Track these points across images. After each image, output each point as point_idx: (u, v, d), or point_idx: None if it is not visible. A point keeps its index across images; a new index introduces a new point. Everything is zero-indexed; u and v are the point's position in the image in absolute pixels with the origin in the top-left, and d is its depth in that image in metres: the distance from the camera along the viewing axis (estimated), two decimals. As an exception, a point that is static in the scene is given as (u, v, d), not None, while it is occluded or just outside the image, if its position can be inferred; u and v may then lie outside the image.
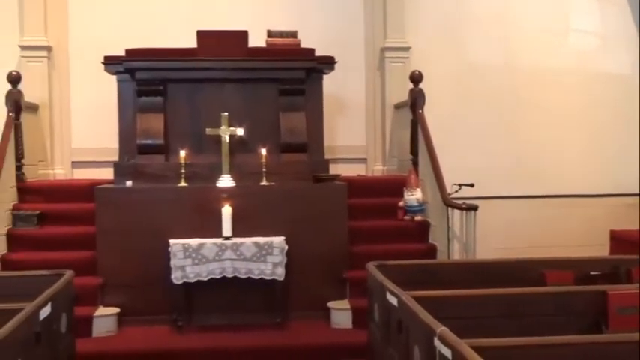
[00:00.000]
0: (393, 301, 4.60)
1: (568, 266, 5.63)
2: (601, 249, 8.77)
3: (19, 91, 7.85)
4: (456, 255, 7.17)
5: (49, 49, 8.83)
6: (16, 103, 7.76)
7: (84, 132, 8.90)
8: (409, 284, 4.89)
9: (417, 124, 7.99)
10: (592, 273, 5.61)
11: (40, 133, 8.70)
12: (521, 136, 9.38)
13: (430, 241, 7.54)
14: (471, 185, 7.72)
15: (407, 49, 9.17)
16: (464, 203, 7.06)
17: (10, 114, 7.67)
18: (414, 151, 8.09)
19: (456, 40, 9.41)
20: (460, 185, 7.70)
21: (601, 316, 4.62)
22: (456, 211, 7.12)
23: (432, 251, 7.38)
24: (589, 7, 9.66)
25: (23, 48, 8.74)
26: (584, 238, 8.91)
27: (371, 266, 5.49)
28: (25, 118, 8.02)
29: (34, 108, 8.51)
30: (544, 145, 9.39)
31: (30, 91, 8.33)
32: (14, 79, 7.85)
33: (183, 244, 6.71)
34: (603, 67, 9.53)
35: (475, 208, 6.96)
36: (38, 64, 8.77)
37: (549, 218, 9.15)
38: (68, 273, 5.38)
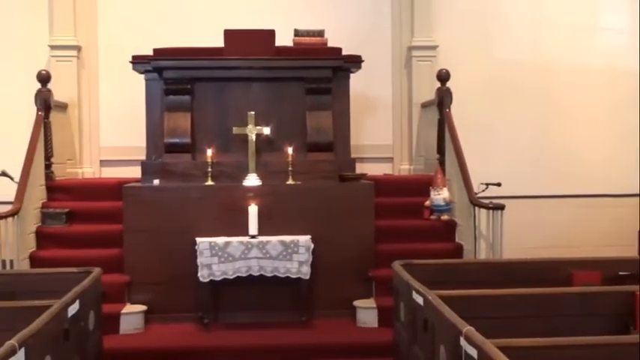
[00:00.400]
0: (419, 300, 4.60)
1: (596, 266, 5.59)
2: (629, 249, 8.65)
3: (49, 90, 7.93)
4: (483, 254, 7.13)
5: (78, 48, 8.92)
6: (46, 102, 7.84)
7: (112, 131, 8.99)
8: (435, 284, 4.88)
9: (444, 123, 7.96)
10: (620, 273, 5.57)
11: (69, 132, 8.80)
12: (548, 134, 9.33)
13: (457, 240, 7.50)
14: (498, 184, 7.67)
15: (434, 47, 9.14)
16: (490, 202, 7.03)
17: (40, 113, 7.75)
18: (441, 150, 8.06)
19: (483, 39, 9.37)
20: (487, 184, 7.65)
21: (629, 317, 4.58)
22: (483, 211, 7.10)
23: (458, 251, 7.35)
24: (619, 4, 9.55)
25: (53, 47, 8.84)
26: (612, 237, 8.83)
27: (397, 265, 5.48)
28: (54, 116, 8.10)
29: (63, 107, 8.60)
30: (572, 144, 9.33)
31: (59, 90, 8.42)
32: (44, 78, 7.93)
33: (210, 243, 6.74)
34: (632, 65, 9.41)
35: (502, 208, 6.93)
36: (67, 64, 8.86)
37: (577, 218, 9.08)
38: (96, 271, 5.43)
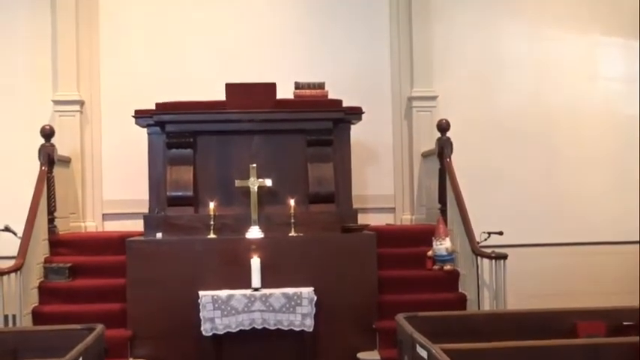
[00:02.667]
0: (423, 354, 4.58)
1: (600, 316, 5.57)
2: (633, 297, 8.63)
3: (52, 145, 7.98)
4: (486, 304, 7.11)
5: (81, 103, 9.00)
6: (49, 157, 7.89)
7: (115, 184, 9.01)
8: (439, 336, 4.87)
9: (445, 173, 8.00)
10: (625, 323, 5.53)
11: (72, 186, 8.84)
12: (550, 182, 9.36)
13: (460, 290, 7.49)
14: (500, 233, 7.69)
15: (434, 97, 9.22)
16: (493, 252, 7.03)
17: (43, 167, 7.79)
18: (443, 200, 8.08)
19: (484, 87, 9.46)
20: (489, 233, 7.68)
21: (634, 369, 4.56)
22: (486, 260, 7.09)
23: (461, 301, 7.33)
24: (616, 53, 9.65)
25: (56, 102, 8.93)
26: (616, 285, 8.81)
27: (400, 318, 5.47)
28: (58, 171, 8.15)
29: (66, 161, 8.66)
30: (573, 191, 9.35)
31: (62, 145, 8.49)
32: (47, 133, 7.98)
33: (213, 296, 6.74)
34: (632, 111, 9.47)
35: (505, 257, 6.93)
36: (71, 118, 8.94)
37: (579, 265, 9.06)
38: (99, 327, 5.42)
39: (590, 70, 9.67)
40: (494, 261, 6.98)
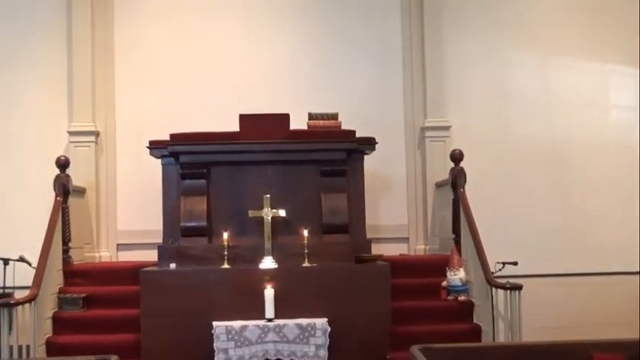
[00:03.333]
0: (438, 386, 4.54)
1: (618, 348, 5.50)
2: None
3: (67, 176, 8.03)
4: (501, 335, 7.06)
5: (96, 134, 9.08)
6: (64, 188, 7.94)
7: (129, 214, 9.06)
8: (454, 368, 4.83)
9: (459, 203, 7.98)
10: (643, 355, 5.47)
11: (87, 216, 8.88)
12: (564, 211, 9.33)
13: (474, 321, 7.45)
14: (515, 263, 7.64)
15: (447, 127, 9.24)
16: (508, 282, 7.00)
17: (58, 198, 7.84)
18: (456, 230, 8.06)
19: (496, 116, 9.49)
20: (504, 263, 7.62)
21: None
22: (500, 291, 7.05)
23: (476, 332, 7.28)
24: (627, 82, 9.65)
25: (72, 134, 9.01)
26: (632, 316, 8.71)
27: (415, 350, 5.42)
28: (72, 201, 8.19)
29: (81, 191, 8.71)
30: (588, 220, 9.32)
31: (77, 175, 8.56)
32: (62, 164, 8.04)
33: (227, 327, 6.72)
34: (645, 140, 9.49)
35: (519, 288, 6.90)
36: (86, 149, 9.02)
37: (596, 295, 9.01)
38: (113, 358, 5.39)
39: (601, 99, 9.69)
40: (509, 291, 6.94)
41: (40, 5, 9.24)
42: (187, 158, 7.58)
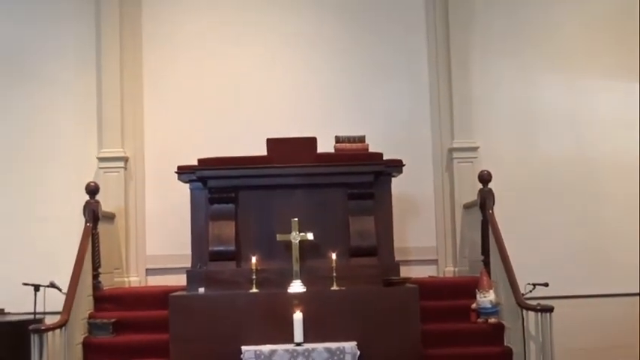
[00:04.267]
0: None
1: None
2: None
3: (97, 202, 8.10)
4: (533, 357, 7.00)
5: (125, 159, 9.17)
6: (94, 214, 8.01)
7: (158, 239, 9.13)
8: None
9: (487, 225, 7.93)
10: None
11: (116, 241, 8.95)
12: (594, 231, 9.25)
13: (505, 344, 7.37)
14: (545, 285, 7.58)
15: (475, 148, 9.22)
16: (538, 304, 6.93)
17: (88, 224, 7.91)
18: (486, 252, 8.00)
19: (525, 137, 9.46)
20: (534, 285, 7.56)
21: None
22: (531, 313, 6.98)
23: (507, 355, 7.21)
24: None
25: (101, 159, 9.11)
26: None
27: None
28: (102, 227, 8.26)
29: (110, 217, 8.78)
30: (619, 240, 9.22)
31: (107, 201, 8.62)
32: (92, 190, 8.12)
33: (255, 351, 6.70)
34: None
35: (551, 310, 6.83)
36: (115, 175, 9.11)
37: (628, 316, 8.86)
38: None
39: (628, 119, 9.56)
40: (540, 314, 6.87)
41: (69, 32, 9.39)
42: (215, 183, 7.62)
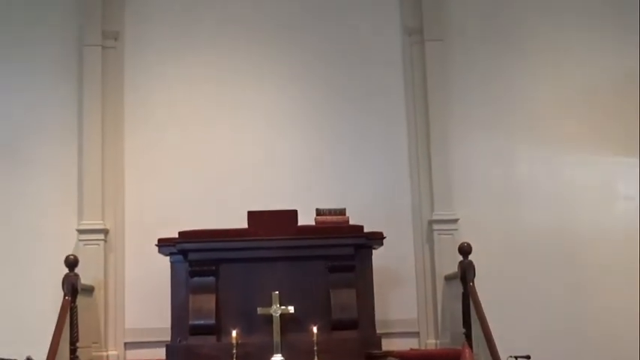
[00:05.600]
0: None
1: None
2: None
3: (76, 275, 8.01)
4: None
5: (105, 231, 9.11)
6: (73, 287, 7.90)
7: (137, 312, 8.99)
8: None
9: (468, 297, 7.93)
10: None
11: (95, 315, 8.82)
12: (577, 302, 9.22)
13: (488, 417, 7.31)
14: (527, 357, 7.54)
15: (455, 220, 9.24)
16: (520, 377, 6.90)
17: (67, 297, 7.80)
18: (467, 324, 7.97)
19: (505, 209, 9.49)
20: (516, 357, 7.52)
21: None
22: (513, 385, 6.95)
23: None
24: (634, 173, 9.69)
25: (81, 232, 9.04)
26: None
27: None
28: (81, 300, 8.11)
29: (89, 290, 8.67)
30: (600, 312, 9.19)
31: (86, 274, 8.48)
32: (71, 263, 8.02)
33: None
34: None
35: (532, 382, 6.80)
36: (95, 247, 9.01)
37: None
38: None
39: (610, 190, 9.69)
40: (521, 387, 6.84)
41: (51, 106, 9.43)
42: (196, 256, 7.60)
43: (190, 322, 7.44)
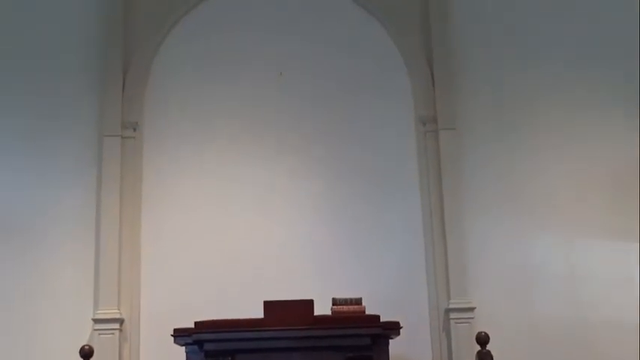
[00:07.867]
0: None
1: None
2: None
3: (91, 365, 8.00)
4: None
5: (120, 321, 9.10)
6: (88, 378, 7.89)
7: (152, 404, 8.92)
8: None
9: (487, 387, 7.84)
10: None
11: (110, 406, 8.75)
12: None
13: None
14: None
15: (472, 309, 9.19)
16: None
17: (82, 389, 7.78)
18: (486, 416, 7.87)
19: (522, 297, 9.45)
20: None
21: None
22: None
23: None
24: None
25: (96, 321, 9.03)
26: None
27: None
28: (95, 391, 8.11)
29: (104, 380, 8.63)
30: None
31: (101, 363, 8.49)
32: (86, 353, 8.00)
33: None
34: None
35: None
36: (110, 337, 8.99)
37: None
38: None
39: (626, 275, 9.61)
40: None
41: (71, 196, 9.57)
42: (212, 346, 7.53)
43: (205, 414, 7.35)
